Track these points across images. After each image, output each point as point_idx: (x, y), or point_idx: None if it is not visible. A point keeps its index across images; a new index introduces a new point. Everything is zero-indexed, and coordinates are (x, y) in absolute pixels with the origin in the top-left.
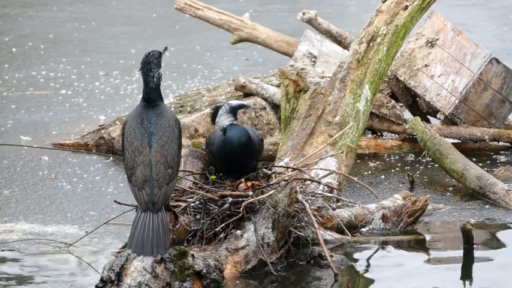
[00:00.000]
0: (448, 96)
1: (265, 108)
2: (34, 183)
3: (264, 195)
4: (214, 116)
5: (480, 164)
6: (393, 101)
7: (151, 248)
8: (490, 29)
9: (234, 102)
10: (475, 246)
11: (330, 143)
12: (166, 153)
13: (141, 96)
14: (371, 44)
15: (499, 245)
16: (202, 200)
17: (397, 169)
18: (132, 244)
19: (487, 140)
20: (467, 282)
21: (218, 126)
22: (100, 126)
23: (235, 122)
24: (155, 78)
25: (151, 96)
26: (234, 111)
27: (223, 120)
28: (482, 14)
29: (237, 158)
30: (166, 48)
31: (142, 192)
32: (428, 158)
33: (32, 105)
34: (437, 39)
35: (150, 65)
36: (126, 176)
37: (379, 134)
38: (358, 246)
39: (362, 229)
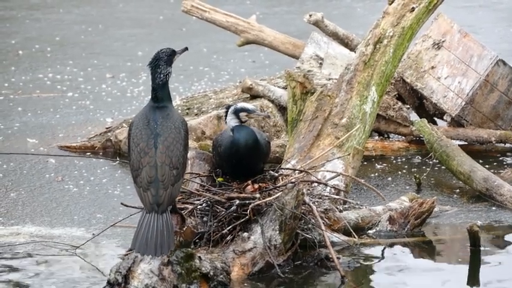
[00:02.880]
0: (455, 98)
1: (269, 117)
2: (41, 186)
3: (271, 198)
4: (226, 115)
5: (487, 166)
6: (400, 103)
7: (155, 247)
8: (497, 31)
9: (239, 105)
10: (481, 248)
11: (337, 145)
12: (171, 154)
13: (147, 98)
14: (378, 46)
15: (506, 246)
16: (209, 202)
17: (404, 171)
18: (136, 244)
19: (494, 142)
20: (474, 284)
21: (228, 126)
22: (107, 128)
23: (244, 124)
24: (162, 75)
25: (158, 94)
26: (237, 113)
27: (230, 121)
28: (488, 16)
29: (243, 159)
30: (186, 49)
31: (148, 193)
32: (435, 160)
33: (38, 107)
34: (443, 41)
35: (159, 61)
36: (131, 177)
37: (385, 136)
38: (365, 248)
39: (369, 231)
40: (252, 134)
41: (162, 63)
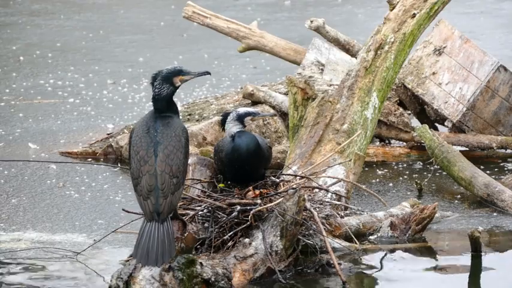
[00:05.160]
0: (456, 103)
1: (275, 115)
2: (42, 192)
3: (272, 203)
4: (223, 122)
5: (488, 172)
6: (401, 109)
7: (156, 257)
8: (498, 37)
9: (242, 110)
10: (483, 253)
11: (338, 150)
12: (171, 162)
13: (149, 104)
14: (379, 52)
15: (507, 252)
16: (210, 208)
17: (405, 177)
18: (138, 254)
19: (495, 148)
20: None
21: (227, 133)
22: (108, 134)
23: (244, 130)
24: (156, 90)
25: (156, 107)
26: (240, 119)
27: (232, 127)
28: (489, 22)
29: (245, 165)
30: (207, 73)
31: (148, 202)
32: (436, 166)
33: (39, 113)
34: (444, 47)
35: (157, 76)
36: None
37: (387, 141)
38: (366, 254)
39: (370, 237)
40: (253, 139)
41: (158, 78)
